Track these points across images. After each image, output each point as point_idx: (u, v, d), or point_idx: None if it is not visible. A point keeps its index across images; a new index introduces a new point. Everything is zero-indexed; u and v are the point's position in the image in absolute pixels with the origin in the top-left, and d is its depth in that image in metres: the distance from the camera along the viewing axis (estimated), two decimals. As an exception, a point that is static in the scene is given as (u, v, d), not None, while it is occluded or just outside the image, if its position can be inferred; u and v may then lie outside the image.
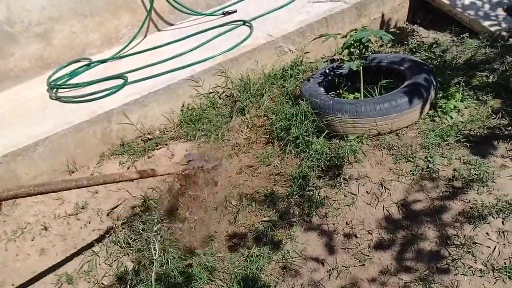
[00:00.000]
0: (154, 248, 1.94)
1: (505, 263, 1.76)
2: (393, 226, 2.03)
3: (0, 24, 3.07)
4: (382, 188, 2.19)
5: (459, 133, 2.36)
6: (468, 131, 2.37)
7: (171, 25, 3.73)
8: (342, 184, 2.25)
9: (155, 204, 2.33)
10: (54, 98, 2.97)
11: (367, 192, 2.19)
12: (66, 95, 2.96)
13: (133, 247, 2.16)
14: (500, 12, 3.18)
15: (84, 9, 3.32)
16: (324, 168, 2.35)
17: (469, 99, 2.58)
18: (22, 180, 2.55)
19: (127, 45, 3.47)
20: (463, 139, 2.31)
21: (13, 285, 2.13)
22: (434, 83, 2.51)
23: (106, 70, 3.20)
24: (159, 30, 3.69)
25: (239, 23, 3.41)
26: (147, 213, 2.25)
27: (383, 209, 2.10)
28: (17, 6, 3.08)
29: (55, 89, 3.06)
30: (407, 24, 3.57)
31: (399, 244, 1.95)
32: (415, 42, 3.27)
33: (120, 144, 2.80)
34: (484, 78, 2.72)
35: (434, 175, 2.17)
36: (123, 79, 2.99)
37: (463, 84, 2.62)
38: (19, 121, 2.76)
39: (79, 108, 2.78)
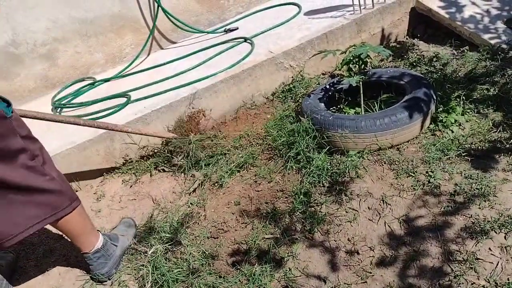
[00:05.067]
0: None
1: (508, 279, 1.74)
2: (395, 242, 2.02)
3: (6, 46, 3.13)
4: (383, 203, 2.18)
5: (460, 147, 2.35)
6: (469, 145, 2.37)
7: (174, 43, 3.78)
8: (344, 200, 2.25)
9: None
10: (58, 117, 3.01)
11: (368, 208, 2.19)
12: (70, 115, 3.00)
13: (134, 265, 2.16)
14: (500, 25, 3.19)
15: (88, 30, 3.38)
16: (325, 184, 2.36)
17: (470, 113, 2.58)
18: (27, 200, 2.57)
19: (130, 64, 3.53)
20: (464, 153, 2.31)
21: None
22: (434, 97, 2.51)
23: (110, 89, 3.25)
24: (162, 48, 3.75)
25: (240, 40, 3.45)
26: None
27: (385, 225, 2.10)
28: (22, 28, 3.15)
29: (59, 109, 3.11)
30: (407, 38, 3.59)
31: (401, 260, 1.94)
32: (415, 56, 3.28)
33: (123, 163, 2.83)
34: (484, 91, 2.72)
35: (435, 190, 2.16)
36: (126, 97, 3.03)
37: (464, 97, 2.63)
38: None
39: (83, 127, 2.81)
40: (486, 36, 3.11)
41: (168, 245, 2.19)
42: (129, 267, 2.17)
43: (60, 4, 3.21)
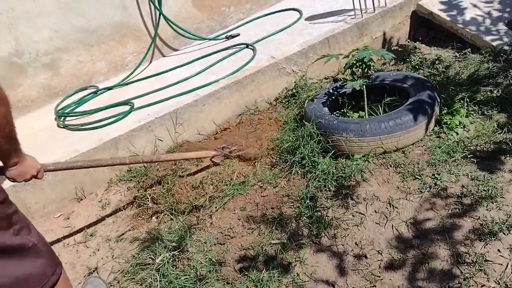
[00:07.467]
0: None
1: (518, 281, 1.73)
2: (403, 246, 2.00)
3: (9, 56, 3.15)
4: (390, 207, 2.17)
5: (465, 149, 2.35)
6: (474, 147, 2.36)
7: (176, 50, 3.80)
8: (350, 204, 2.24)
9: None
10: (62, 126, 3.02)
11: (375, 211, 2.18)
12: (74, 123, 3.01)
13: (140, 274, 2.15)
14: (501, 26, 3.19)
15: (90, 39, 3.40)
16: (331, 188, 2.35)
17: (474, 115, 2.57)
18: (31, 209, 2.57)
19: (133, 72, 3.54)
20: (470, 155, 2.30)
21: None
22: (438, 100, 2.51)
23: (113, 97, 3.25)
24: (164, 56, 3.76)
25: (242, 46, 3.46)
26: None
27: (392, 229, 2.09)
28: (25, 38, 3.16)
29: (62, 118, 3.11)
30: (408, 42, 3.60)
31: (410, 263, 1.93)
32: (418, 59, 3.29)
33: (128, 170, 2.83)
34: (488, 92, 2.72)
35: (442, 193, 2.16)
36: (129, 105, 3.03)
37: (467, 99, 2.63)
38: (29, 151, 2.77)
39: (87, 136, 2.82)
40: (488, 38, 3.12)
41: (176, 252, 2.18)
42: (135, 275, 2.16)
43: (63, 13, 3.23)
